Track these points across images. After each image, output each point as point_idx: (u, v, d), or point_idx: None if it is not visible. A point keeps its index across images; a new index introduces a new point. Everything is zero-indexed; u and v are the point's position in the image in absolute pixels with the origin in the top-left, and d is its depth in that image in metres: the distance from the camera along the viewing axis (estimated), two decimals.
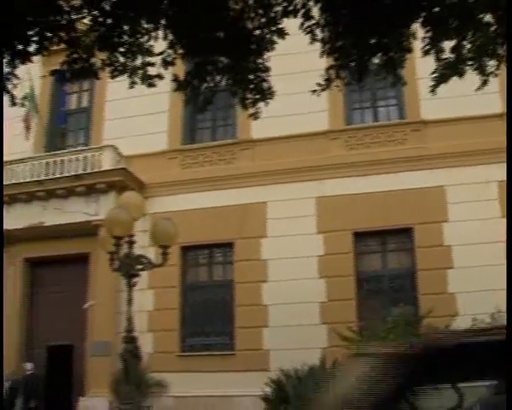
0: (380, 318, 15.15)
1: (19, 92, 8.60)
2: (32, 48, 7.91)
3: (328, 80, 8.42)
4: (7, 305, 20.36)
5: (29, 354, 20.19)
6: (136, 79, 8.66)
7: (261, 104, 8.69)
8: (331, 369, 13.68)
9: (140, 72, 8.58)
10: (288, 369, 14.11)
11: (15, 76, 8.12)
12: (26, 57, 7.93)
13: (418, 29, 8.07)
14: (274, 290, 17.42)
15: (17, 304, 20.49)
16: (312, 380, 13.22)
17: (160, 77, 8.50)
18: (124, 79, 8.91)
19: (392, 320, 13.99)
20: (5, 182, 20.30)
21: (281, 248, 17.56)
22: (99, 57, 8.42)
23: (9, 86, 8.16)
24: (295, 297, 16.82)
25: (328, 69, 8.43)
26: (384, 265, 17.82)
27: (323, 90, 8.54)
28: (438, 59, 8.32)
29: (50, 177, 19.67)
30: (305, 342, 15.97)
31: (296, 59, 17.25)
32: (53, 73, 19.16)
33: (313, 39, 8.12)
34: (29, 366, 18.25)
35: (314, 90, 8.59)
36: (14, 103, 8.39)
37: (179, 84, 8.64)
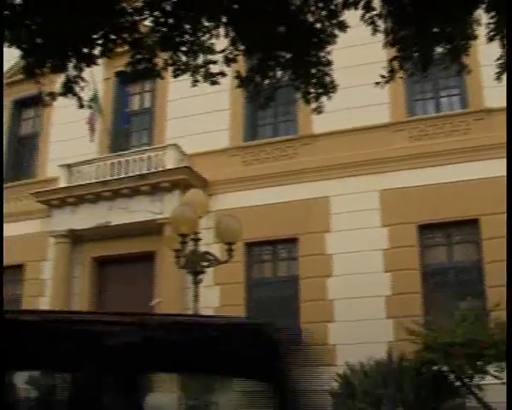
0: (446, 311, 14.90)
1: (84, 95, 8.73)
2: (96, 51, 8.07)
3: (392, 72, 8.32)
4: (77, 304, 20.86)
5: None
6: (199, 78, 8.71)
7: (324, 98, 8.66)
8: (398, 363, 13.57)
9: (202, 70, 8.64)
10: (355, 364, 14.02)
11: (82, 79, 8.28)
12: (91, 60, 8.09)
13: (482, 15, 7.90)
14: (339, 285, 17.33)
15: (85, 303, 20.92)
16: (379, 375, 13.12)
17: (222, 74, 8.54)
18: (185, 79, 8.98)
19: (461, 314, 13.73)
20: (72, 183, 20.81)
21: (345, 243, 17.44)
22: (161, 57, 8.52)
23: (77, 89, 8.32)
24: (360, 291, 16.69)
25: (391, 60, 8.33)
26: (450, 257, 17.51)
27: (387, 82, 8.45)
28: (503, 45, 8.12)
29: (115, 177, 20.03)
30: (371, 336, 15.83)
31: (355, 51, 17.14)
32: (118, 74, 19.57)
33: (375, 30, 8.05)
34: None
35: (378, 83, 8.51)
36: (81, 105, 8.54)
37: (242, 81, 8.67)
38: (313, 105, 8.83)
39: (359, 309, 16.51)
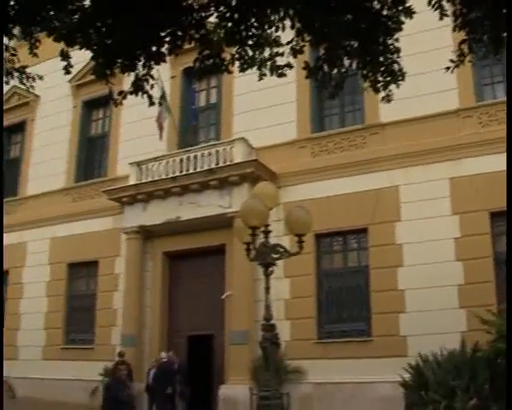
0: None
1: (153, 93, 8.88)
2: (164, 48, 8.20)
3: (462, 55, 8.19)
4: (148, 298, 21.29)
5: (170, 343, 20.99)
6: (266, 71, 8.77)
7: (392, 86, 8.59)
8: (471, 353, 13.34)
9: (269, 63, 8.69)
10: (427, 354, 13.85)
11: (151, 77, 8.44)
12: (160, 58, 8.23)
13: None
14: (410, 275, 17.15)
15: (158, 297, 21.34)
16: (452, 365, 12.93)
17: (289, 66, 8.57)
18: (251, 73, 9.05)
19: None
20: (142, 181, 21.21)
21: (415, 232, 17.25)
22: (228, 52, 8.60)
23: (146, 87, 8.47)
24: (432, 281, 16.49)
25: (460, 44, 8.20)
26: None
27: (457, 66, 8.33)
28: None
29: (184, 173, 20.34)
30: (443, 326, 15.64)
31: (422, 38, 16.93)
32: (184, 72, 19.82)
33: (442, 15, 7.93)
34: (164, 354, 18.93)
35: (447, 68, 8.39)
36: (151, 103, 8.69)
37: (310, 71, 8.68)
38: (382, 94, 8.77)
39: (431, 299, 16.32)
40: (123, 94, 8.54)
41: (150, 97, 8.58)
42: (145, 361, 20.35)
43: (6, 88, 24.41)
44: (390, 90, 8.69)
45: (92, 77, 22.32)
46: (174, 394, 18.20)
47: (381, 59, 8.24)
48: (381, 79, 8.49)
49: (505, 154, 16.64)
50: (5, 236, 25.65)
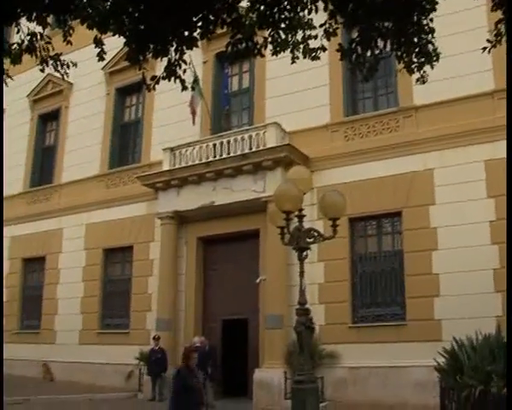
0: None
1: (185, 78, 8.89)
2: (196, 33, 8.19)
3: (499, 35, 8.06)
4: (183, 283, 21.43)
5: (205, 328, 21.13)
6: (299, 54, 8.73)
7: (427, 68, 8.49)
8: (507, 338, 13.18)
9: (302, 46, 8.65)
10: (462, 338, 13.74)
11: (184, 62, 8.45)
12: (192, 43, 8.23)
13: None
14: (444, 259, 17.01)
15: (192, 281, 21.47)
16: (488, 350, 12.80)
17: (322, 49, 8.53)
18: (283, 57, 9.02)
19: None
20: (176, 166, 21.31)
21: (450, 215, 17.08)
22: (261, 36, 8.56)
23: (179, 72, 8.49)
24: (467, 265, 16.32)
25: (497, 23, 8.07)
26: None
27: (494, 46, 8.20)
28: None
29: (218, 158, 20.37)
30: (479, 310, 15.47)
31: (456, 18, 16.72)
32: (216, 57, 19.79)
33: None
34: (197, 339, 19.06)
35: (484, 48, 8.28)
36: (184, 88, 8.71)
37: (344, 54, 8.61)
38: (416, 75, 8.69)
39: (466, 283, 16.15)
40: (156, 79, 8.58)
41: (183, 82, 8.60)
42: (180, 346, 20.50)
43: (41, 76, 24.76)
44: (424, 72, 8.61)
45: (125, 64, 22.65)
46: (205, 378, 18.28)
47: (416, 40, 8.14)
48: (415, 60, 8.40)
49: None
50: (42, 222, 26.11)
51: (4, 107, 29.40)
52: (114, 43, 10.31)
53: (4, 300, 27.03)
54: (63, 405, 17.76)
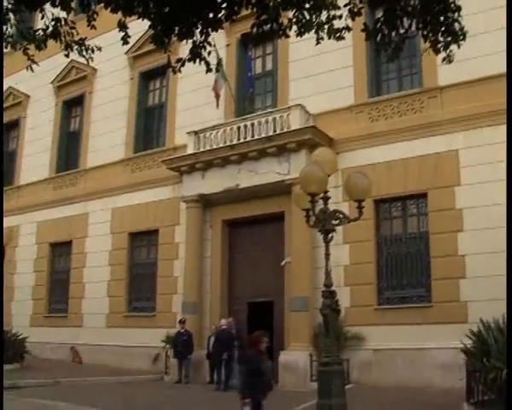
0: None
1: (210, 60, 8.90)
2: (221, 14, 8.19)
3: None
4: (209, 266, 21.53)
5: (230, 310, 21.24)
6: (323, 35, 8.68)
7: (453, 47, 8.40)
8: None
9: (326, 26, 8.59)
10: (488, 320, 13.66)
11: (208, 44, 8.45)
12: (217, 24, 8.23)
13: None
14: (470, 240, 16.89)
15: (218, 264, 21.56)
16: None
17: (347, 29, 8.48)
18: (307, 38, 8.98)
19: None
20: (200, 149, 21.36)
21: (476, 196, 16.93)
22: (285, 16, 8.53)
23: (204, 54, 8.49)
24: (493, 246, 16.12)
25: None
26: None
27: None
28: None
29: (242, 141, 20.38)
30: (505, 292, 15.37)
31: None
32: (240, 40, 19.72)
33: None
34: (223, 321, 19.15)
35: None
36: (209, 70, 8.71)
37: (369, 34, 8.55)
38: (442, 55, 8.60)
39: (492, 264, 15.97)
40: (181, 61, 8.57)
41: (208, 64, 8.61)
42: (206, 328, 20.64)
43: (65, 62, 24.89)
44: (451, 51, 8.51)
45: (148, 48, 22.72)
46: (230, 359, 18.40)
47: (442, 18, 8.05)
48: (441, 39, 8.30)
49: None
50: (68, 207, 26.37)
51: (29, 93, 29.76)
52: (138, 28, 10.32)
53: (33, 284, 27.46)
54: (92, 387, 17.99)
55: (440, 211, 17.46)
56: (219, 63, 18.85)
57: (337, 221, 11.51)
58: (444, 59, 8.69)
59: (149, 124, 26.11)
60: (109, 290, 24.47)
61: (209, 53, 8.53)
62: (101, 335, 23.90)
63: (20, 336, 22.93)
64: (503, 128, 16.67)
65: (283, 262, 19.69)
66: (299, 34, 8.56)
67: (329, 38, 8.65)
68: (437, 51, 8.50)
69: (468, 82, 17.65)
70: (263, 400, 9.71)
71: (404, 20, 8.25)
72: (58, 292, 26.95)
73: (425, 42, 8.63)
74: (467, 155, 17.37)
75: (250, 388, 9.64)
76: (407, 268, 18.08)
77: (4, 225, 24.51)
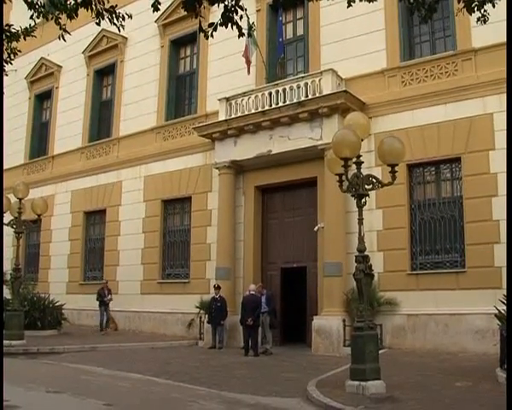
0: None
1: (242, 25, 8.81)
2: None
3: None
4: (242, 232, 21.62)
5: (264, 276, 21.36)
6: None
7: (488, 6, 8.24)
8: None
9: None
10: None
11: (240, 7, 8.38)
12: None
13: None
14: (505, 205, 16.66)
15: (251, 230, 21.64)
16: None
17: None
18: (338, 1, 8.89)
19: None
20: (232, 116, 21.33)
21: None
22: None
23: (236, 18, 8.43)
24: None
25: None
26: None
27: None
28: None
29: (274, 106, 20.29)
30: None
31: None
32: (273, 2, 19.43)
33: None
34: (253, 286, 19.22)
35: None
36: (241, 34, 8.65)
37: None
38: (476, 15, 8.44)
39: None
40: (213, 26, 8.50)
41: (240, 29, 8.53)
42: (239, 294, 20.78)
43: (95, 32, 24.94)
44: (485, 11, 8.36)
45: (178, 15, 22.70)
46: (254, 325, 18.37)
47: None
48: None
49: None
50: (101, 176, 26.62)
51: (61, 64, 29.92)
52: None
53: (68, 252, 27.83)
54: (127, 353, 18.27)
55: (474, 175, 17.25)
56: (251, 28, 18.77)
57: (370, 186, 11.49)
58: (478, 19, 8.54)
59: (181, 91, 26.13)
60: (143, 258, 24.74)
61: (241, 17, 8.46)
62: (136, 301, 24.27)
63: (57, 303, 23.40)
64: None
65: (316, 228, 19.69)
66: None
67: (361, 0, 8.56)
68: (471, 11, 8.35)
69: (503, 44, 17.29)
70: None
71: None
72: (93, 260, 27.36)
73: (459, 2, 8.48)
74: (501, 119, 17.06)
75: None
76: (440, 233, 17.96)
77: (39, 195, 24.74)
